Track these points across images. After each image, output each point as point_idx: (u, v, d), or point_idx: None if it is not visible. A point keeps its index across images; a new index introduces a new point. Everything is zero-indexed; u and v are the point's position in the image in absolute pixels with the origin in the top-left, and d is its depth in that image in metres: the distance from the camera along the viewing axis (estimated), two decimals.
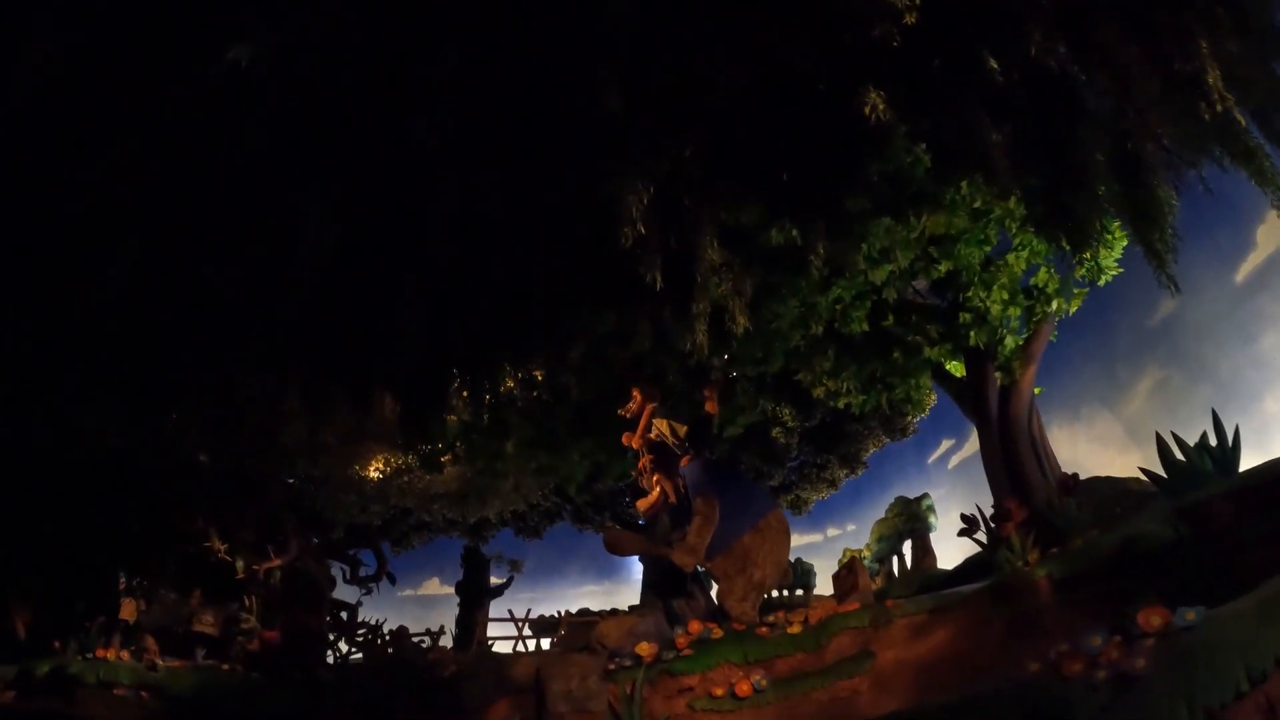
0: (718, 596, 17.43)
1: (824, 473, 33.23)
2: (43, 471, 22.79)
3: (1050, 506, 15.81)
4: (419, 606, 47.50)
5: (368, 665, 23.01)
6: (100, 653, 20.98)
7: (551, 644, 25.97)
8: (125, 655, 21.26)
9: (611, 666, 14.79)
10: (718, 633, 15.50)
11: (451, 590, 36.08)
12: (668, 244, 11.39)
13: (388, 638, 25.90)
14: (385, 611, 29.56)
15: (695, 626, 15.60)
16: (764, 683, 13.90)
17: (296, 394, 18.43)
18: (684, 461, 18.28)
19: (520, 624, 26.78)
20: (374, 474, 23.24)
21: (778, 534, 17.99)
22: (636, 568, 53.19)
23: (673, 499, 18.20)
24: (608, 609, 27.41)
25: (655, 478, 18.28)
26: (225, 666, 21.49)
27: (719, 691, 14.06)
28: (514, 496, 26.57)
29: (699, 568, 18.09)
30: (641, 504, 18.43)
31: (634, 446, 18.59)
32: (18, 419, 20.85)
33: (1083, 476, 17.53)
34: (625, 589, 48.96)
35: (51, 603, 23.63)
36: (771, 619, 16.11)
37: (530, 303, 12.56)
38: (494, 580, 32.92)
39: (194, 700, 19.21)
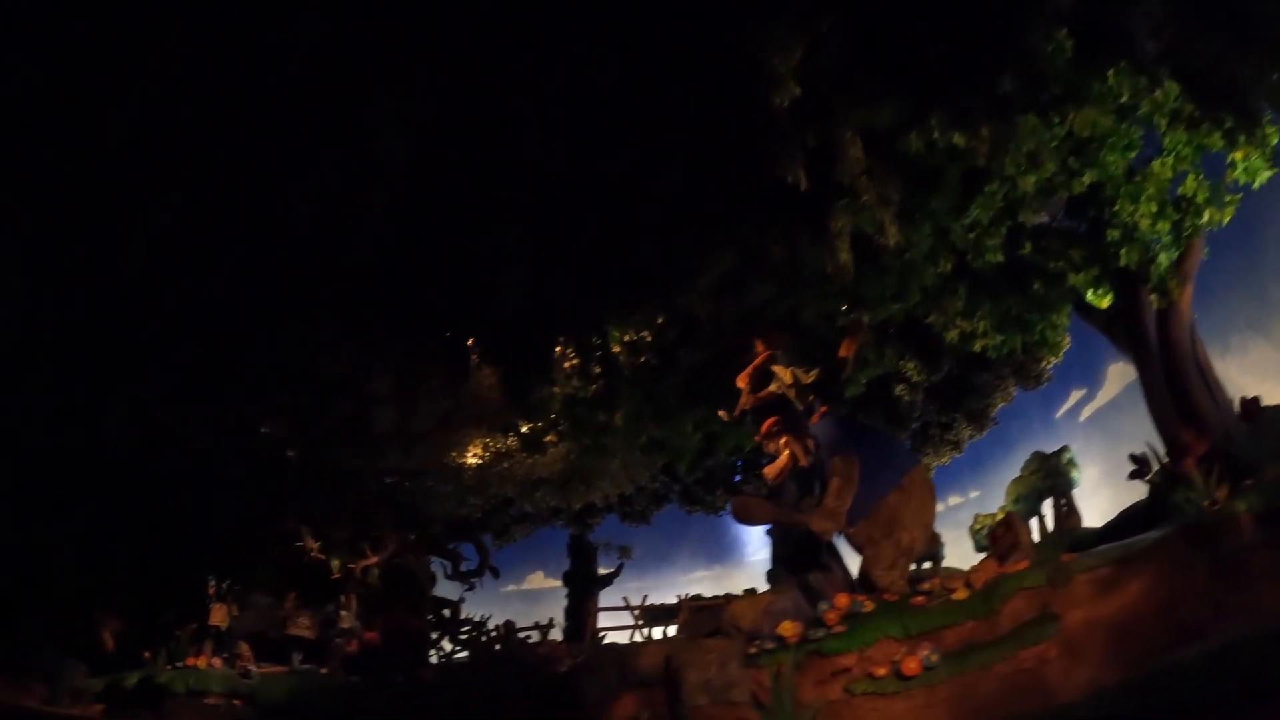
0: (863, 565, 15.47)
1: (948, 434, 31.01)
2: (125, 480, 21.84)
3: (1228, 437, 13.73)
4: (523, 601, 46.12)
5: (474, 664, 21.60)
6: (191, 661, 19.97)
7: (669, 632, 24.28)
8: (217, 663, 20.18)
9: (752, 650, 12.98)
10: (869, 606, 13.58)
11: (557, 583, 34.60)
12: (805, 142, 9.58)
13: (494, 634, 24.46)
14: (489, 608, 28.18)
15: (843, 600, 13.68)
16: (934, 658, 11.95)
17: (384, 370, 17.12)
18: (814, 419, 16.35)
19: (637, 612, 25.07)
20: (472, 460, 21.76)
21: (923, 492, 16.02)
22: (749, 549, 51.34)
23: (803, 461, 16.20)
24: (722, 594, 25.73)
25: (783, 439, 16.32)
26: (323, 671, 20.55)
27: (880, 671, 12.13)
28: (621, 477, 24.92)
29: (837, 535, 16.16)
30: (769, 470, 16.46)
31: (742, 387, 16.56)
32: (97, 428, 19.94)
33: None
34: (738, 573, 47.03)
35: (140, 612, 22.60)
36: (927, 587, 14.20)
37: (643, 230, 10.79)
38: (602, 570, 31.50)
39: (290, 707, 18.08)
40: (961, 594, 13.17)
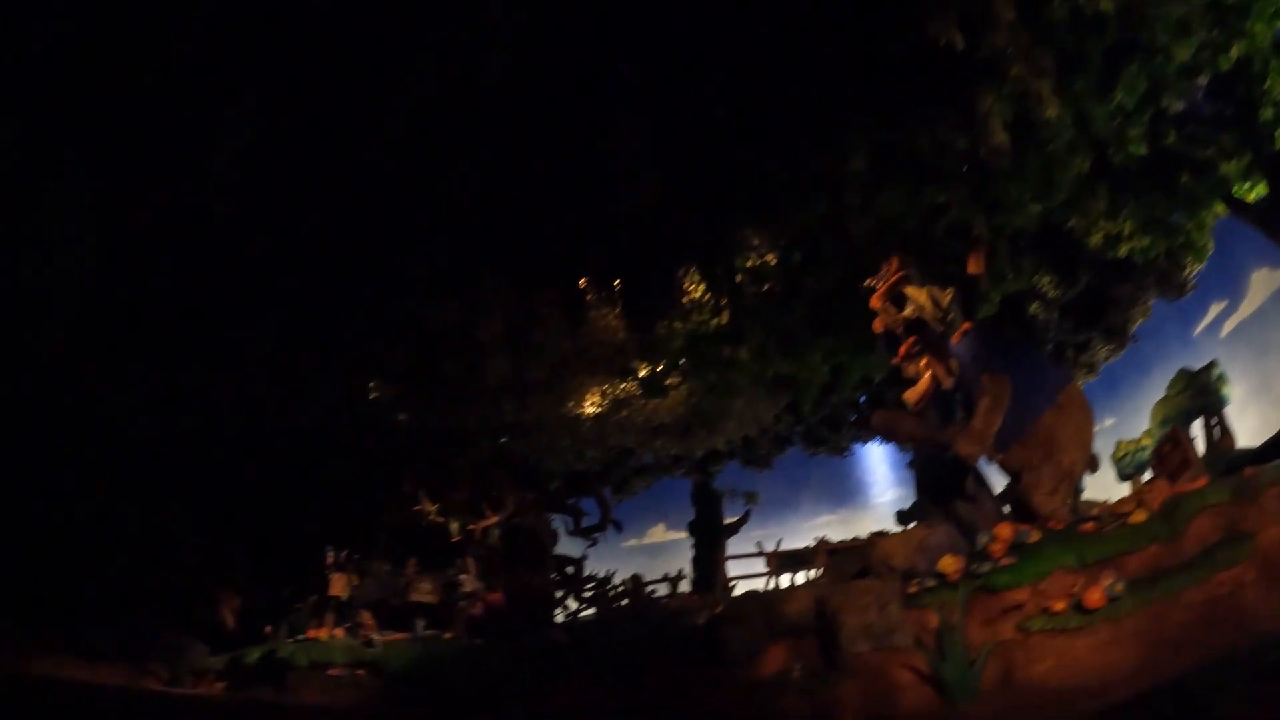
0: (1023, 491, 14.02)
1: (1084, 355, 29.04)
2: (238, 458, 21.49)
3: None
4: (646, 555, 45.30)
5: (602, 621, 20.75)
6: (312, 633, 19.67)
7: (803, 579, 23.08)
8: (340, 633, 19.79)
9: (912, 590, 11.72)
10: (1035, 535, 12.20)
11: (681, 534, 33.72)
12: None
13: (620, 589, 23.62)
14: (611, 564, 27.43)
15: (1006, 530, 12.32)
16: (1119, 587, 10.57)
17: (494, 316, 16.16)
18: (956, 337, 14.90)
19: (771, 558, 23.91)
20: (590, 410, 20.74)
21: (1081, 410, 14.50)
22: (875, 490, 49.83)
23: (946, 383, 14.79)
24: (851, 538, 24.43)
25: (923, 361, 14.93)
26: (447, 635, 19.99)
27: (1058, 606, 10.78)
28: (745, 417, 23.65)
29: (985, 463, 14.75)
30: (909, 395, 15.08)
31: (876, 307, 15.18)
32: (205, 407, 19.53)
33: None
34: (864, 515, 45.67)
35: (259, 588, 22.66)
36: (1096, 511, 12.80)
37: (772, 131, 9.51)
38: (728, 519, 30.43)
39: (415, 674, 17.40)
40: (1139, 516, 11.76)
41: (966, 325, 15.03)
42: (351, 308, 17.00)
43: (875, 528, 30.02)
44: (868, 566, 12.94)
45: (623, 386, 20.18)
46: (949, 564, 11.73)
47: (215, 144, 9.37)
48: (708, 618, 13.93)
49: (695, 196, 10.63)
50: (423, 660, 17.68)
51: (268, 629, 20.76)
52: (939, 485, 14.99)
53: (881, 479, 48.91)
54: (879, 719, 10.47)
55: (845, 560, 14.55)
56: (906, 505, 27.89)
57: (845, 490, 47.96)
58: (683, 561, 30.08)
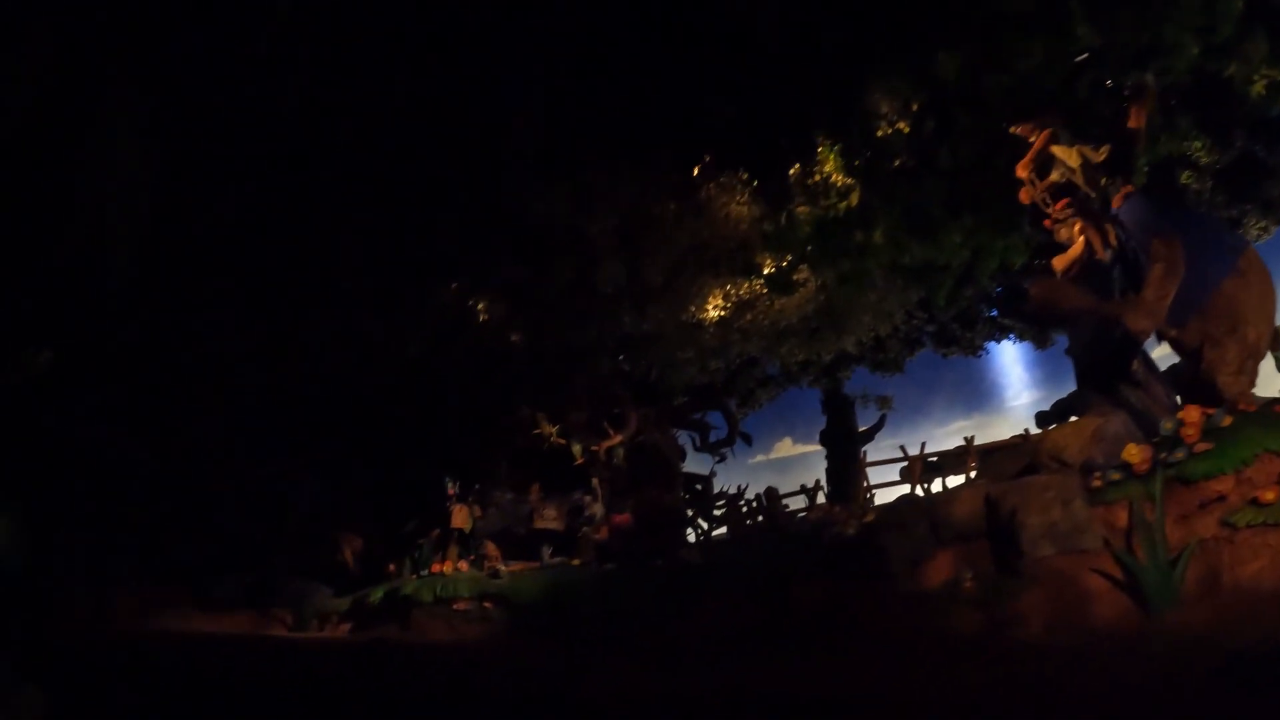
0: (1206, 370, 12.39)
1: (1237, 230, 26.74)
2: (348, 398, 21.21)
3: None
4: (773, 471, 44.22)
5: (740, 538, 19.73)
6: (436, 568, 19.04)
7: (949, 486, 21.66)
8: (464, 566, 19.17)
9: (1096, 483, 10.33)
10: (1227, 419, 10.67)
11: (809, 448, 32.78)
12: None
13: (754, 505, 22.50)
14: (737, 481, 26.40)
15: (1193, 413, 10.79)
16: None
17: (604, 205, 15.05)
18: (1117, 201, 13.21)
19: (914, 462, 22.43)
20: (712, 314, 19.47)
21: (1263, 278, 12.64)
22: (1010, 393, 47.78)
23: (1101, 252, 13.14)
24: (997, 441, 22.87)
25: (1077, 225, 13.28)
26: (575, 562, 19.11)
27: (1268, 496, 9.32)
28: (878, 313, 22.11)
29: (1154, 342, 13.13)
30: (1059, 261, 13.41)
31: (1023, 175, 13.55)
32: (311, 347, 19.37)
33: None
34: (998, 420, 43.82)
35: (380, 527, 22.25)
36: None
37: None
38: (861, 427, 29.10)
39: (544, 603, 16.60)
40: None
41: (1128, 188, 13.35)
42: (451, 212, 16.07)
43: (1011, 432, 28.35)
44: (1035, 463, 11.54)
45: (746, 286, 18.89)
46: (1135, 453, 10.32)
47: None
48: (858, 527, 12.75)
49: (823, 51, 9.26)
50: (551, 589, 16.89)
51: (390, 567, 20.37)
52: (1102, 371, 13.41)
53: (1016, 381, 46.97)
54: (1069, 632, 9.17)
55: (1003, 460, 13.13)
56: (1045, 407, 26.09)
57: (978, 394, 46.18)
58: (812, 475, 28.78)
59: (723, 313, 19.40)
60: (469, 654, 14.99)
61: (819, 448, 42.07)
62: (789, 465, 45.20)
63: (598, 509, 19.85)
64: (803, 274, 18.44)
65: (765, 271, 18.31)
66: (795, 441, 45.81)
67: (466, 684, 13.14)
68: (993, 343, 31.62)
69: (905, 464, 23.96)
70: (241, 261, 18.38)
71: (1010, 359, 44.62)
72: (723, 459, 26.73)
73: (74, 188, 10.10)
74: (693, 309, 19.15)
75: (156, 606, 20.59)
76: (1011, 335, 29.91)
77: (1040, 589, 9.45)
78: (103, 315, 16.62)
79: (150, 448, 21.21)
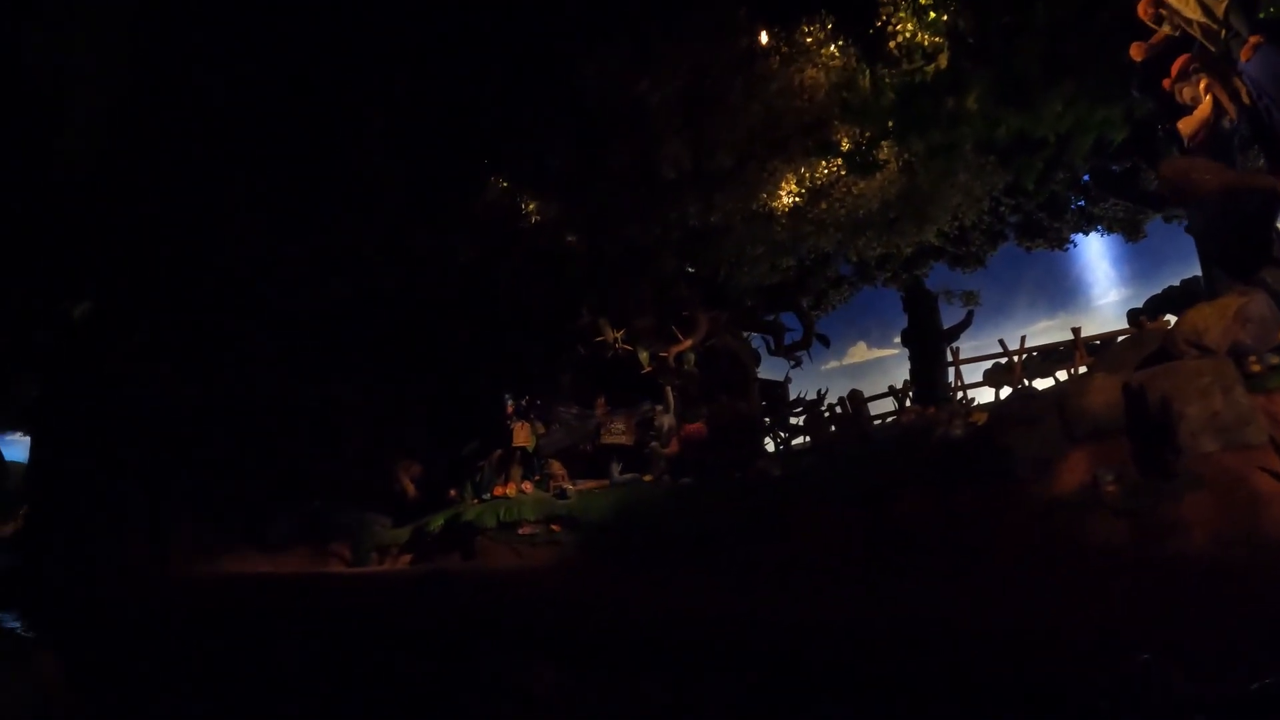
0: None
1: None
2: (400, 317, 20.48)
3: None
4: (847, 377, 42.49)
5: (824, 447, 18.34)
6: (499, 491, 18.10)
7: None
8: (529, 488, 18.18)
9: (1254, 368, 8.77)
10: None
11: (885, 351, 31.30)
12: None
13: (836, 410, 21.05)
14: (810, 389, 24.95)
15: None
16: None
17: (663, 69, 13.60)
18: (1244, 53, 11.36)
19: (1018, 357, 20.48)
20: (785, 200, 17.83)
21: None
22: (1098, 290, 45.33)
23: (1232, 112, 11.38)
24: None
25: (1201, 82, 11.49)
26: (647, 478, 17.85)
27: None
28: (966, 197, 20.28)
29: None
30: (1185, 125, 11.69)
31: (1145, 17, 11.76)
32: (354, 271, 18.63)
33: None
34: (1084, 320, 41.49)
35: (438, 450, 21.26)
36: None
37: None
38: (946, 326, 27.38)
39: (616, 523, 15.43)
40: None
41: (1255, 40, 11.52)
42: (497, 84, 14.75)
43: (1096, 332, 26.60)
44: (1168, 349, 9.95)
45: (823, 167, 17.26)
46: None
47: None
48: (966, 428, 11.29)
49: None
50: (622, 508, 15.74)
51: (451, 492, 19.44)
52: (1236, 249, 11.69)
53: (1103, 278, 44.60)
54: (1238, 543, 7.67)
55: (1122, 352, 11.51)
56: (1136, 304, 24.18)
57: (1063, 291, 43.89)
58: (888, 380, 27.29)
59: (797, 199, 17.83)
60: (537, 582, 13.90)
61: (895, 351, 40.41)
62: (864, 370, 43.45)
63: (669, 420, 18.54)
64: (885, 151, 16.80)
65: (843, 149, 16.70)
66: (870, 346, 43.97)
67: (535, 614, 12.09)
68: (1080, 235, 29.56)
69: (993, 363, 22.26)
70: (273, 173, 17.41)
71: (1096, 254, 42.25)
72: (798, 363, 25.33)
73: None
74: (764, 196, 17.62)
75: (211, 548, 20.27)
76: (1100, 227, 27.88)
77: (1203, 492, 7.95)
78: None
79: (197, 383, 20.87)
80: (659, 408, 18.81)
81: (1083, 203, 26.82)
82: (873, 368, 40.25)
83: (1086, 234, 29.50)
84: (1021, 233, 29.17)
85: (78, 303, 21.30)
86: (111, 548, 20.60)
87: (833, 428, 20.01)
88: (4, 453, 32.13)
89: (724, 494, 14.78)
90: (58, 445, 23.50)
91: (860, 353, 43.76)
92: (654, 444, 18.01)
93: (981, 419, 11.93)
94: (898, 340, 40.31)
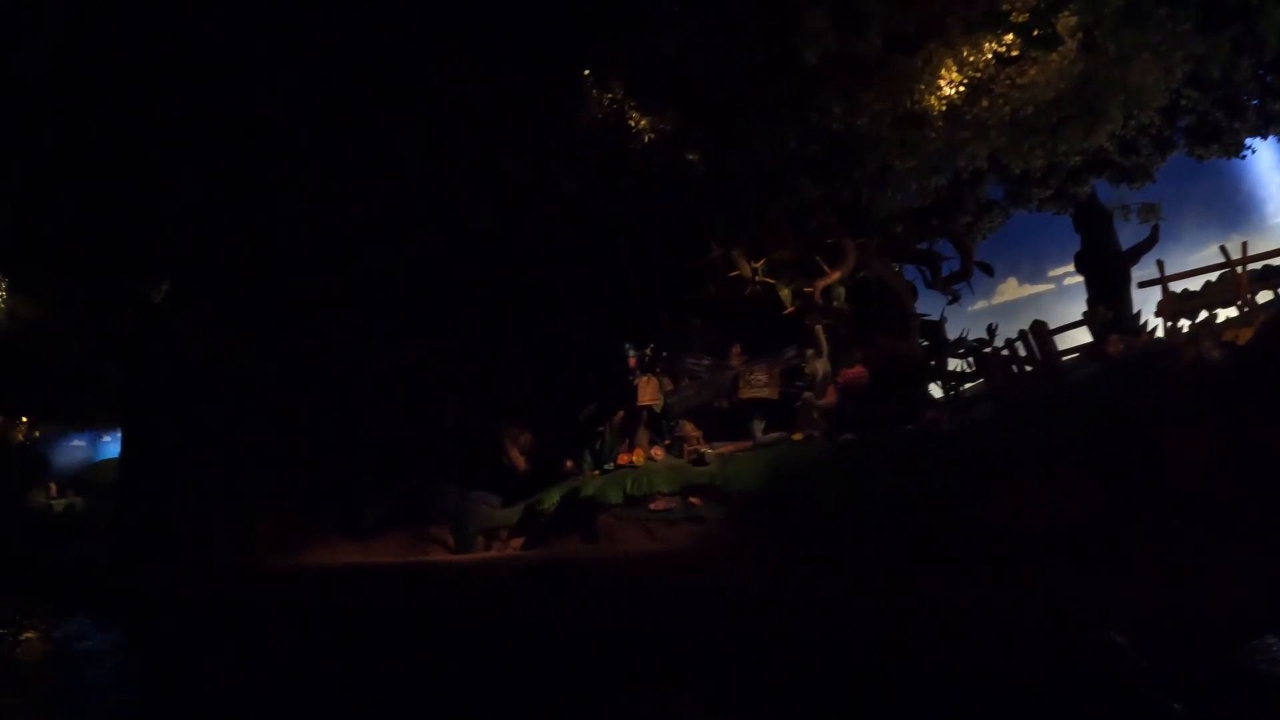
0: None
1: None
2: (499, 262, 18.34)
3: None
4: (999, 317, 39.04)
5: (1006, 392, 15.72)
6: (624, 459, 16.10)
7: None
8: (659, 454, 16.06)
9: None
10: None
11: (1037, 289, 31.88)
12: None
13: (1009, 351, 18.16)
14: (955, 331, 22.03)
15: None
16: None
17: None
18: None
19: (1240, 268, 17.22)
20: (946, 90, 15.17)
21: None
22: (1272, 209, 41.40)
23: None
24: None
25: None
26: (797, 436, 15.26)
27: None
28: (1143, 88, 17.41)
29: None
30: None
31: None
32: (442, 211, 17.11)
33: None
34: (1261, 241, 37.65)
35: (550, 414, 19.31)
36: None
37: None
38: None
39: (768, 493, 13.34)
40: None
41: None
42: None
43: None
44: None
45: (987, 49, 14.58)
46: None
47: None
48: (1221, 349, 8.60)
49: None
50: (774, 473, 13.47)
51: (568, 464, 17.49)
52: None
53: (1278, 194, 40.63)
54: None
55: None
56: None
57: (1234, 208, 39.82)
58: (1045, 318, 24.21)
59: (956, 91, 15.18)
60: (679, 570, 11.55)
61: (1050, 286, 37.32)
62: (1015, 310, 39.77)
63: (822, 365, 15.99)
64: (1066, 19, 14.09)
65: (1015, 20, 14.02)
66: (1021, 281, 40.54)
67: (679, 615, 9.72)
68: (1258, 138, 26.09)
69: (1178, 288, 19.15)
70: (338, 103, 16.02)
71: (1267, 165, 38.28)
72: (956, 298, 22.40)
73: None
74: (920, 88, 15.00)
75: (298, 535, 19.18)
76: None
77: None
78: None
79: (276, 359, 19.85)
80: (809, 352, 16.22)
81: (1258, 102, 23.59)
82: (1026, 305, 36.93)
83: (1264, 137, 26.17)
84: (1194, 138, 25.91)
85: (156, 285, 20.54)
86: (196, 541, 19.73)
87: (1013, 369, 17.26)
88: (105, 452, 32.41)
89: (898, 452, 12.45)
90: (142, 438, 22.94)
91: (1011, 290, 40.34)
92: (807, 394, 15.50)
93: (1244, 336, 9.26)
94: (1052, 274, 37.16)
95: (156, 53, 16.09)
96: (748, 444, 15.57)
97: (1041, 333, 16.37)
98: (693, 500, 13.96)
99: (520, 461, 18.47)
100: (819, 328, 16.59)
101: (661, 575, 11.21)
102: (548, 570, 11.50)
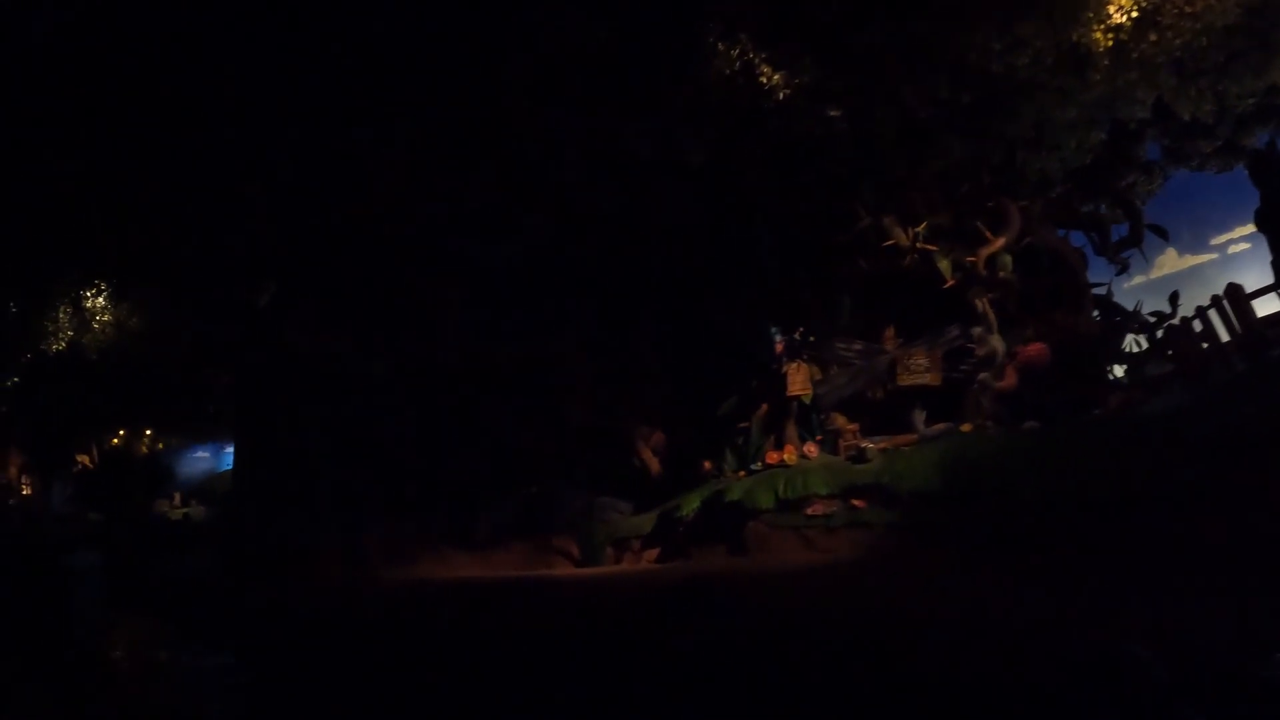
0: None
1: None
2: (622, 243, 17.08)
3: None
4: (1155, 294, 36.67)
5: (1206, 371, 13.97)
6: (773, 457, 14.62)
7: None
8: (812, 450, 14.51)
9: None
10: None
11: (1199, 259, 30.10)
12: None
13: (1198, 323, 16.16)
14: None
15: None
16: None
17: None
18: None
19: None
20: (1117, 19, 13.40)
21: None
22: None
23: None
24: None
25: None
26: (966, 427, 13.71)
27: None
28: None
29: None
30: None
31: None
32: (557, 187, 16.04)
33: None
34: None
35: (685, 409, 17.92)
36: None
37: None
38: None
39: (949, 493, 11.68)
40: None
41: None
42: None
43: None
44: None
45: None
46: None
47: None
48: None
49: None
50: (952, 470, 11.78)
51: (706, 465, 16.02)
52: None
53: None
54: None
55: None
56: None
57: None
58: (1208, 292, 22.09)
59: (1128, 18, 13.53)
60: (847, 587, 9.83)
61: (1213, 256, 35.07)
62: (1174, 284, 37.10)
63: (997, 343, 14.22)
64: None
65: None
66: (1181, 252, 38.00)
67: (856, 644, 8.02)
68: None
69: None
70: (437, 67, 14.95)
71: None
72: (1125, 267, 20.38)
73: None
74: (1089, 16, 13.36)
75: (411, 546, 18.32)
76: None
77: None
78: None
79: (384, 357, 18.85)
80: (977, 330, 14.43)
81: None
82: (1187, 278, 34.39)
83: None
84: None
85: (261, 287, 19.81)
86: (305, 553, 18.93)
87: (1206, 345, 15.29)
88: (228, 462, 32.86)
89: (1100, 441, 10.90)
90: (251, 446, 22.65)
91: (1170, 262, 37.70)
92: (984, 376, 13.75)
93: None
94: (1214, 242, 34.62)
95: (252, 41, 15.43)
96: (911, 437, 13.99)
97: (1239, 298, 14.40)
98: (855, 503, 12.45)
99: (654, 463, 17.18)
100: (985, 301, 14.79)
101: (830, 595, 9.49)
102: (696, 589, 9.88)
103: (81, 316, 26.92)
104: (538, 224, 16.38)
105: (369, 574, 17.60)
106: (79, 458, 40.22)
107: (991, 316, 14.61)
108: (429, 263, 17.78)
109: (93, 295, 25.81)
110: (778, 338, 15.66)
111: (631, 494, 17.08)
